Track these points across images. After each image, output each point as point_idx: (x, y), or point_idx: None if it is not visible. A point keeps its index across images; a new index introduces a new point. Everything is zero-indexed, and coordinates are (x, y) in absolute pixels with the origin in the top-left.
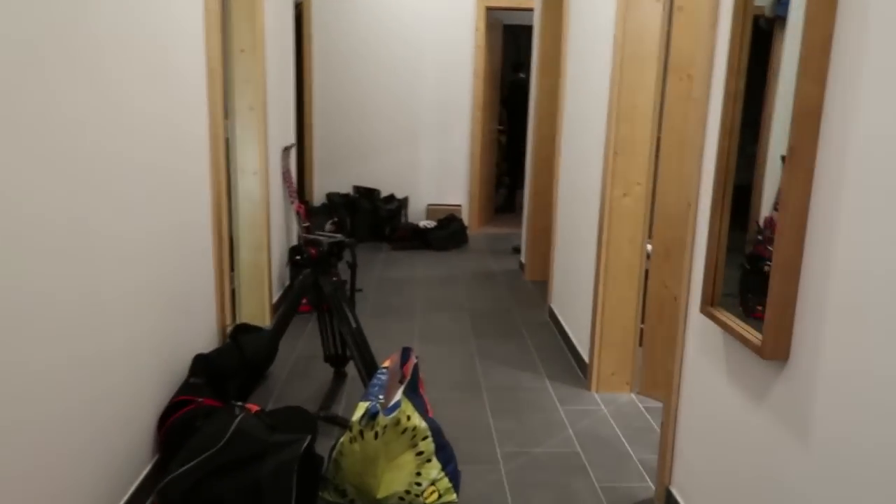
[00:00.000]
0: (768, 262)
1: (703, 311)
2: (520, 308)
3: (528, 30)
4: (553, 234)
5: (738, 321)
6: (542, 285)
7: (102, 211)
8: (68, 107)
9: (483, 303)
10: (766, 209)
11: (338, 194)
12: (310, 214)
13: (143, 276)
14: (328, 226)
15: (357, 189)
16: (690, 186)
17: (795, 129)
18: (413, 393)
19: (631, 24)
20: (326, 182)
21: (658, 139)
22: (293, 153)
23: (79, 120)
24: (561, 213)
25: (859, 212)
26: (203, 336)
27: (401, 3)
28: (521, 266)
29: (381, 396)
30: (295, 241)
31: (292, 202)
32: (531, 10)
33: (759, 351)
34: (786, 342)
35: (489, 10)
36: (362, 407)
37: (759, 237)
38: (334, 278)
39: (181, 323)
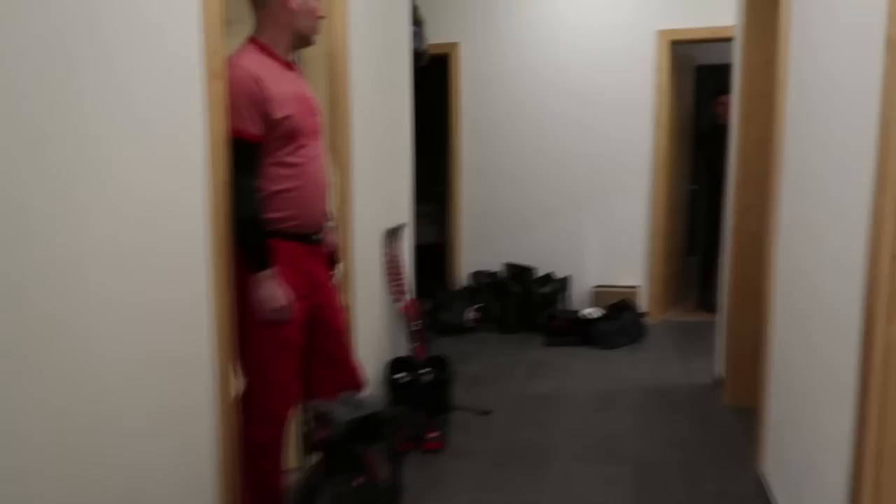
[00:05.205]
0: None
1: None
2: (712, 462)
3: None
4: (766, 345)
5: None
6: (747, 417)
7: None
8: None
9: (656, 447)
10: None
11: (485, 273)
12: (422, 312)
13: None
14: (470, 314)
15: (509, 267)
16: None
17: None
18: None
19: None
20: (474, 258)
21: None
22: (405, 235)
23: None
24: (781, 316)
25: None
26: None
27: (560, 45)
28: (717, 382)
29: None
30: (401, 352)
31: (396, 300)
32: (729, 40)
33: None
34: None
35: (674, 44)
36: None
37: None
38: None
39: None
